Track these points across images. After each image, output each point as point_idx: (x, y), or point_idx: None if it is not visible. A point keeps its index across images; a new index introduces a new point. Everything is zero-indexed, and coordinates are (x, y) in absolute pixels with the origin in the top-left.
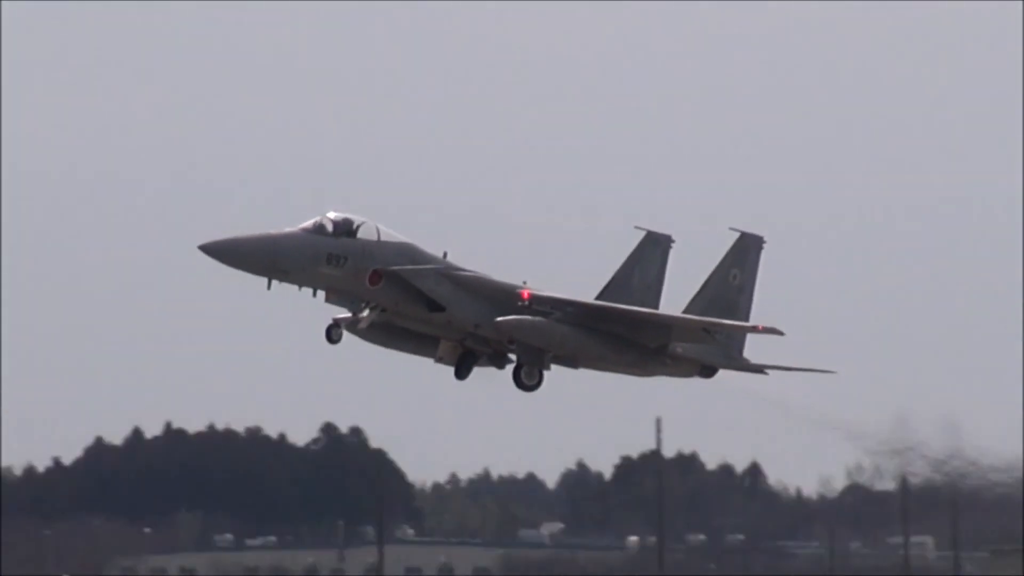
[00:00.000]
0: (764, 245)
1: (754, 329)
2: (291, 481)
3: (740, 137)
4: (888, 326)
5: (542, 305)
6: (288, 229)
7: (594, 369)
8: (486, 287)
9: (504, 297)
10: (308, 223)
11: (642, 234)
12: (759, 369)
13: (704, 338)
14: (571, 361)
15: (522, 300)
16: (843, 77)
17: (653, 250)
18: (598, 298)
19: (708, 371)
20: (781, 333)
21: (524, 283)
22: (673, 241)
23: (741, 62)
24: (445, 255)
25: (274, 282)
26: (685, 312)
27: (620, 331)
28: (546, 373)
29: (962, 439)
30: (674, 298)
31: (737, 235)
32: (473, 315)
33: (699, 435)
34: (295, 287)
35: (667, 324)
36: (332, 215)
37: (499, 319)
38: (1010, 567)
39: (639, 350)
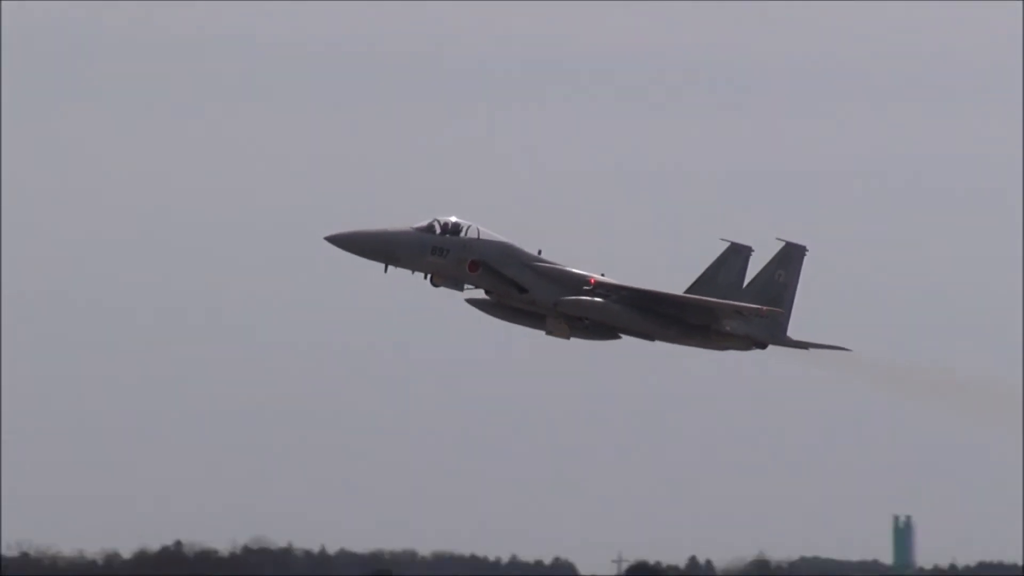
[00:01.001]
0: (807, 253)
1: (759, 311)
2: None
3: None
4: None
5: (605, 290)
6: (402, 227)
7: (665, 341)
8: (562, 275)
9: (576, 282)
10: (422, 223)
11: (727, 244)
12: (802, 345)
13: (738, 319)
14: (638, 334)
15: (589, 285)
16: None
17: (736, 258)
18: (686, 292)
19: (761, 346)
20: (780, 311)
21: (602, 275)
22: (752, 251)
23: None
24: (540, 252)
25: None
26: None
27: (666, 311)
28: None
29: None
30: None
31: (783, 244)
32: (551, 295)
33: None
34: (408, 272)
35: (698, 305)
36: (441, 218)
37: (563, 298)
38: None
39: (682, 326)
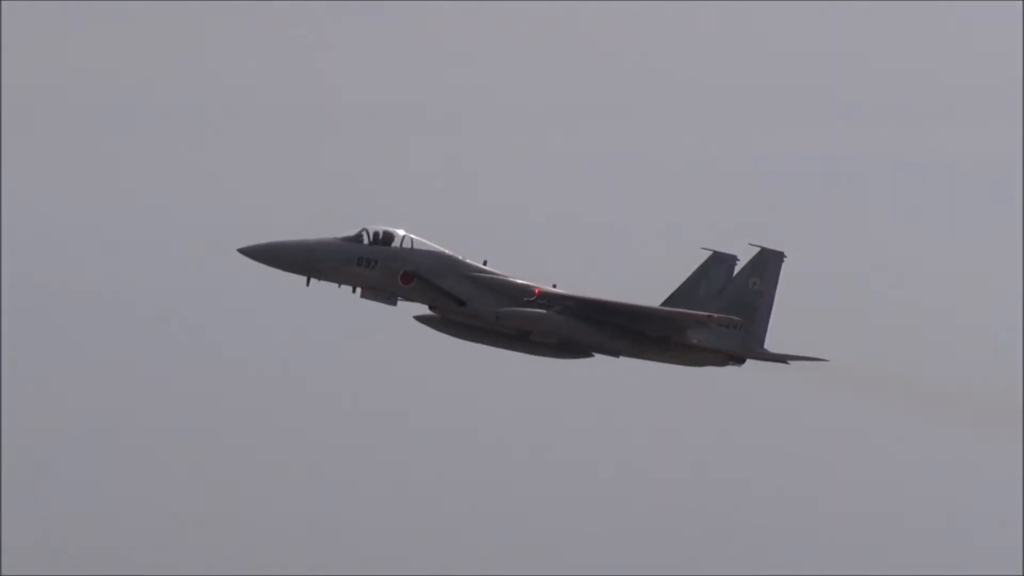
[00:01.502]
0: (784, 260)
1: (710, 318)
2: None
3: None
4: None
5: (549, 300)
6: (327, 237)
7: (625, 355)
8: (502, 285)
9: (518, 293)
10: (350, 232)
11: (709, 253)
12: (781, 359)
13: (704, 330)
14: (588, 346)
15: (532, 296)
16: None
17: (718, 268)
18: (663, 304)
19: (738, 360)
20: (738, 322)
21: (554, 286)
22: (737, 259)
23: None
24: (485, 263)
25: (313, 280)
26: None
27: (615, 321)
28: None
29: None
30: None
31: (758, 249)
32: (492, 307)
33: None
34: (334, 285)
35: (648, 315)
36: (372, 227)
37: (499, 309)
38: None
39: (635, 338)
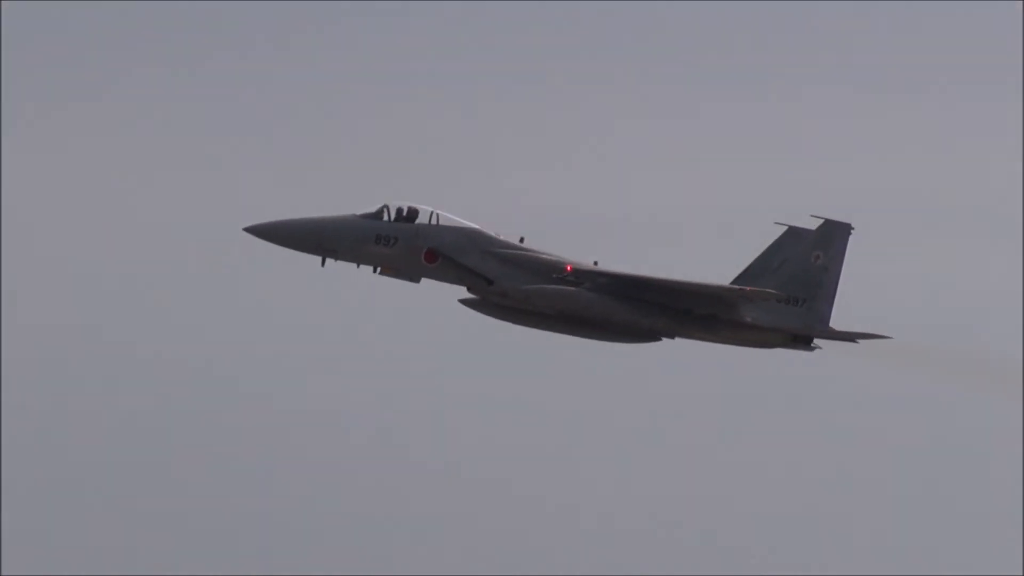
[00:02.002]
0: (852, 232)
1: (743, 291)
2: None
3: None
4: None
5: (583, 277)
6: (345, 214)
7: (673, 335)
8: (532, 262)
9: (549, 270)
10: (371, 209)
11: (784, 228)
12: (848, 337)
13: (760, 308)
14: (624, 325)
15: (566, 272)
16: None
17: (795, 242)
18: (733, 282)
19: (802, 341)
20: (772, 294)
21: (595, 263)
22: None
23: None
24: (522, 240)
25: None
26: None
27: (654, 298)
28: None
29: None
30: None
31: (821, 221)
32: (520, 286)
33: None
34: (352, 265)
35: (676, 289)
36: (395, 203)
37: (525, 286)
38: None
39: (675, 316)
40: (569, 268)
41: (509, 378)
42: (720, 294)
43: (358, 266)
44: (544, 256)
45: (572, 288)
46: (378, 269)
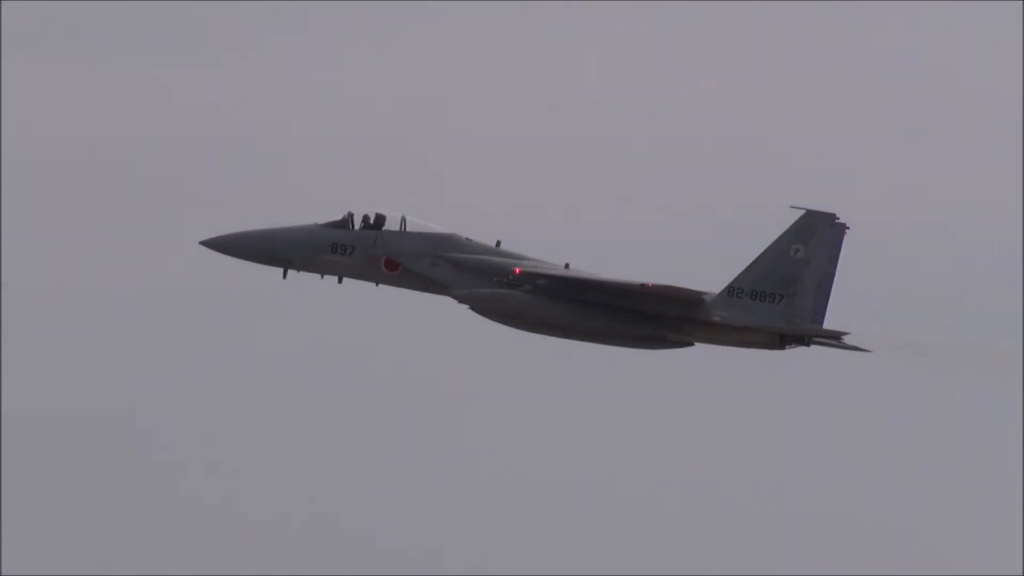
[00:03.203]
0: (838, 222)
1: (643, 287)
2: None
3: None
4: None
5: (526, 280)
6: (308, 223)
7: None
8: (483, 265)
9: (499, 273)
10: (336, 217)
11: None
12: (835, 335)
13: (731, 307)
14: (564, 328)
15: (514, 275)
16: None
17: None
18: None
19: (789, 340)
20: (667, 286)
21: (566, 265)
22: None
23: None
24: (498, 243)
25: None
26: (736, 282)
27: (594, 299)
28: None
29: None
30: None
31: (802, 212)
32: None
33: None
34: (316, 275)
35: (598, 287)
36: (361, 210)
37: (457, 292)
38: None
39: (618, 316)
40: (517, 271)
41: (498, 383)
42: (625, 290)
43: (321, 276)
44: (495, 260)
45: (504, 291)
46: (341, 279)
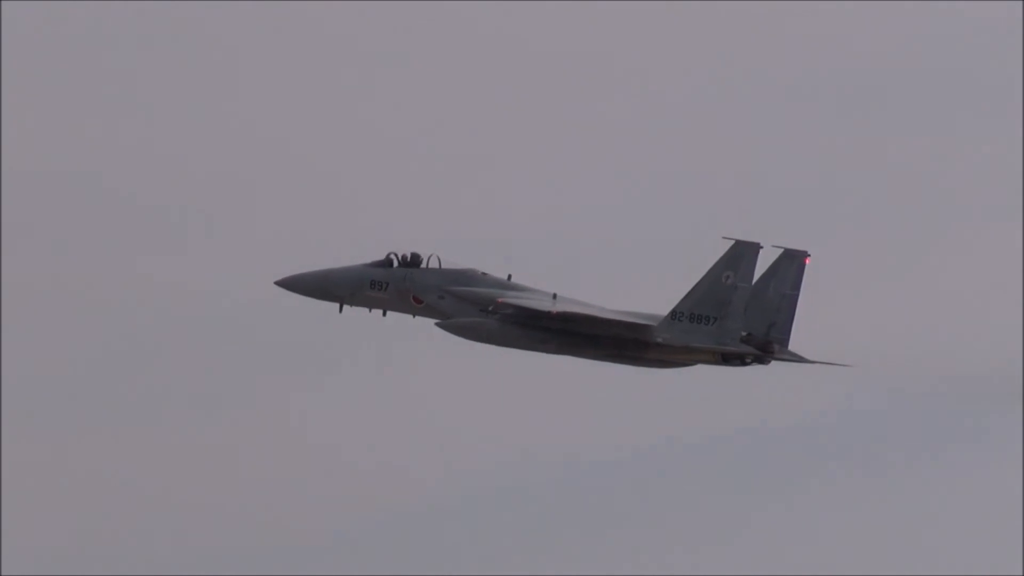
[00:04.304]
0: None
1: (548, 313)
2: None
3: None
4: None
5: (500, 309)
6: (356, 264)
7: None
8: (476, 297)
9: (485, 303)
10: (380, 257)
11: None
12: (768, 352)
13: (672, 328)
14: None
15: (497, 304)
16: None
17: (789, 264)
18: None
19: (731, 358)
20: (567, 313)
21: (554, 296)
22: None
23: None
24: (510, 277)
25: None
26: (678, 306)
27: (549, 325)
28: None
29: None
30: None
31: (732, 243)
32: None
33: None
34: (363, 309)
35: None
36: (400, 250)
37: (438, 322)
38: None
39: (570, 341)
40: (500, 301)
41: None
42: (572, 318)
43: (369, 310)
44: (484, 291)
45: (478, 319)
46: (384, 312)
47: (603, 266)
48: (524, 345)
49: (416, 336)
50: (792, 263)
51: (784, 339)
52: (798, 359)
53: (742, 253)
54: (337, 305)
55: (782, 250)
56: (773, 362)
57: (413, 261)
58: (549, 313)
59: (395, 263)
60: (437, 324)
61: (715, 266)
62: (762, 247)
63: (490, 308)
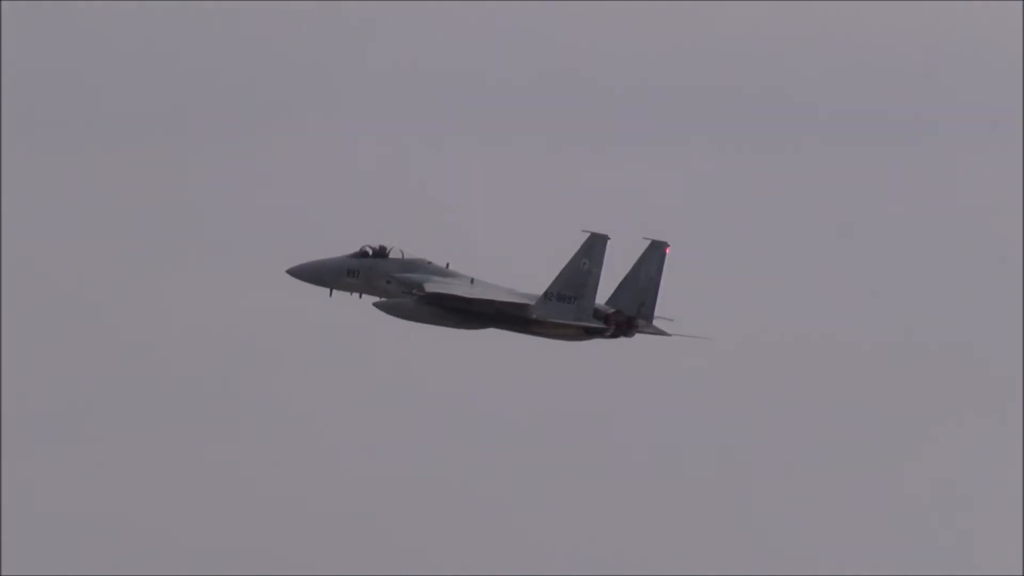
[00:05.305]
0: (659, 241)
1: (421, 288)
2: None
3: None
4: None
5: (417, 292)
6: (340, 255)
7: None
8: (409, 282)
9: (413, 288)
10: (355, 250)
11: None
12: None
13: (547, 305)
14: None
15: (420, 289)
16: None
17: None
18: (612, 295)
19: (595, 332)
20: (434, 295)
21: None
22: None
23: None
24: (447, 265)
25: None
26: (550, 288)
27: (455, 306)
28: None
29: None
30: None
31: (587, 234)
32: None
33: None
34: (346, 293)
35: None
36: (371, 243)
37: (375, 302)
38: None
39: (463, 318)
40: (425, 287)
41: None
42: (469, 302)
43: (350, 294)
44: (415, 277)
45: (399, 300)
46: (360, 295)
47: (519, 256)
48: (433, 321)
49: (357, 314)
50: (655, 252)
51: (649, 316)
52: (660, 333)
53: (594, 243)
54: (327, 290)
55: (649, 241)
56: (637, 335)
57: (380, 252)
58: (444, 296)
59: (369, 254)
60: (373, 304)
61: (576, 255)
62: (610, 238)
63: (413, 291)
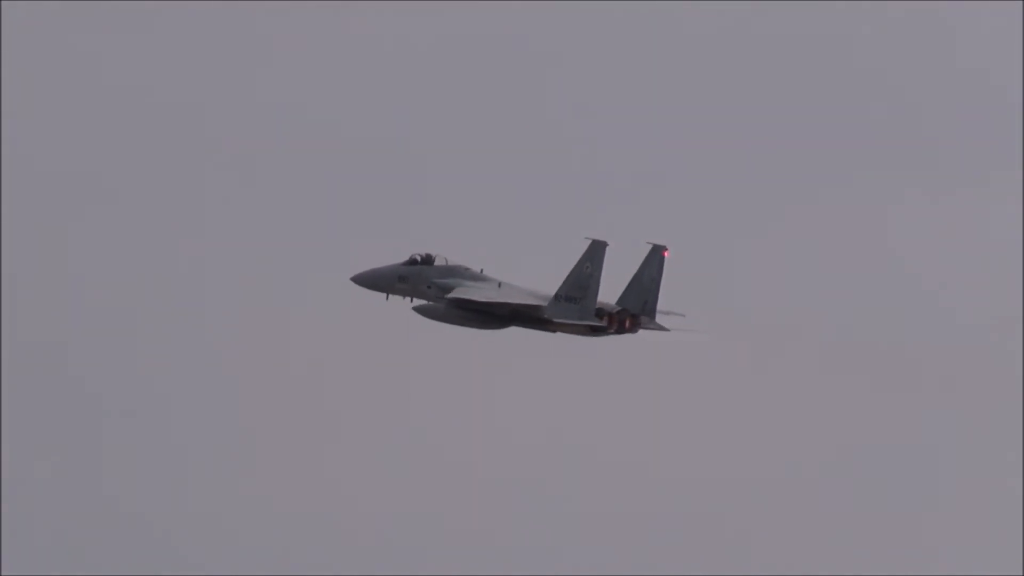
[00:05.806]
0: (658, 244)
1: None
2: None
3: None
4: None
5: (445, 296)
6: (393, 263)
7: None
8: (445, 287)
9: (444, 293)
10: (406, 258)
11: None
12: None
13: (556, 306)
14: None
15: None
16: None
17: (654, 257)
18: (621, 296)
19: (597, 330)
20: (457, 299)
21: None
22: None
23: None
24: (481, 271)
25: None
26: (559, 290)
27: (475, 308)
28: None
29: None
30: None
31: (589, 241)
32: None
33: None
34: (399, 297)
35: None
36: (420, 252)
37: (413, 306)
38: None
39: (487, 319)
40: (453, 292)
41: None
42: (489, 306)
43: (402, 298)
44: (449, 282)
45: (432, 304)
46: (412, 299)
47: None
48: (461, 323)
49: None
50: (656, 255)
51: (652, 312)
52: (661, 328)
53: (596, 249)
54: (384, 295)
55: (651, 245)
56: (641, 331)
57: (427, 260)
58: (470, 301)
59: (418, 261)
60: (412, 308)
61: (580, 259)
62: (608, 244)
63: (446, 295)
